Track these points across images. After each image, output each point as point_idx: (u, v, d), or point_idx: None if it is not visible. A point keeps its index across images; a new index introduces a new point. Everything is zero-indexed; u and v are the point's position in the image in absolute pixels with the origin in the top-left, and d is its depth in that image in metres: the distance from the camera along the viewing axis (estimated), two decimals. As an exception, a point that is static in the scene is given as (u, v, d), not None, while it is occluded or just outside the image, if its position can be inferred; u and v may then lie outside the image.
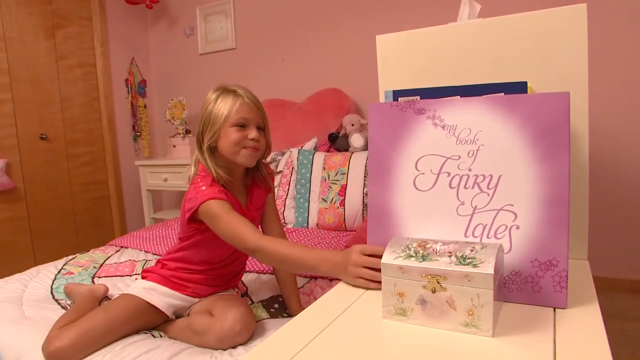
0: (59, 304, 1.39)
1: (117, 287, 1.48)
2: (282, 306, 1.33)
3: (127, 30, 3.35)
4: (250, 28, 3.07)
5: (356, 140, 2.31)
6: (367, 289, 0.77)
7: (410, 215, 0.73)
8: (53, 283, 1.57)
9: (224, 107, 1.13)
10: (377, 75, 1.05)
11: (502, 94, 0.81)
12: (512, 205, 0.66)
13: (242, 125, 1.14)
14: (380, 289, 0.73)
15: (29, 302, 1.39)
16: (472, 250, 0.62)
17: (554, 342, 0.56)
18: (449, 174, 0.69)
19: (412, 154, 0.72)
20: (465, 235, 0.69)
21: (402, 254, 0.65)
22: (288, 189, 2.33)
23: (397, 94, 0.91)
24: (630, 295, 2.09)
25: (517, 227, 0.66)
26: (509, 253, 0.66)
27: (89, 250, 2.00)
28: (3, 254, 2.61)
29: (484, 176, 0.67)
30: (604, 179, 2.12)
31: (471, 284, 0.59)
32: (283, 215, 2.27)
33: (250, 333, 1.09)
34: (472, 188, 0.68)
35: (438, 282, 0.61)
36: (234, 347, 1.06)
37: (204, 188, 1.11)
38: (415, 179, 0.72)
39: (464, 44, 0.95)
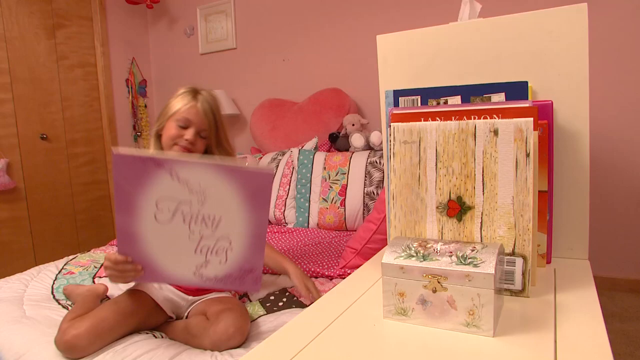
0: (59, 303, 1.39)
1: (117, 287, 1.48)
2: (276, 298, 1.39)
3: (128, 30, 3.35)
4: (251, 28, 3.07)
5: (357, 140, 2.31)
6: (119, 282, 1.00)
7: (153, 239, 0.93)
8: (54, 283, 1.57)
9: (178, 104, 1.22)
10: (378, 75, 1.05)
11: (503, 93, 0.81)
12: (229, 235, 0.93)
13: (183, 126, 1.21)
14: (126, 281, 1.00)
15: (30, 302, 1.39)
16: (472, 250, 0.62)
17: (555, 341, 0.57)
18: (182, 212, 0.90)
19: (153, 195, 0.88)
20: (195, 252, 0.94)
21: (402, 254, 0.65)
22: (288, 189, 2.33)
23: (397, 94, 0.91)
24: (631, 295, 2.09)
25: (231, 249, 0.95)
26: (226, 263, 0.96)
27: (89, 250, 2.00)
28: (4, 254, 2.61)
29: (210, 216, 0.91)
30: (604, 179, 2.12)
31: (472, 284, 0.59)
32: (284, 215, 2.27)
33: (244, 336, 1.09)
34: (201, 223, 0.92)
35: (439, 282, 0.61)
36: (229, 349, 1.06)
37: None
38: (155, 214, 0.90)
39: (464, 44, 0.95)
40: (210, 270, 0.99)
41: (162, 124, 1.24)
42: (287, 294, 1.42)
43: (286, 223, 2.28)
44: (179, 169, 0.86)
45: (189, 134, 1.21)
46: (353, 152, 2.29)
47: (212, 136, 1.26)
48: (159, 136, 1.26)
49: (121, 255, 0.95)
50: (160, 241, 0.94)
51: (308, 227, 2.19)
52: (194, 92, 1.25)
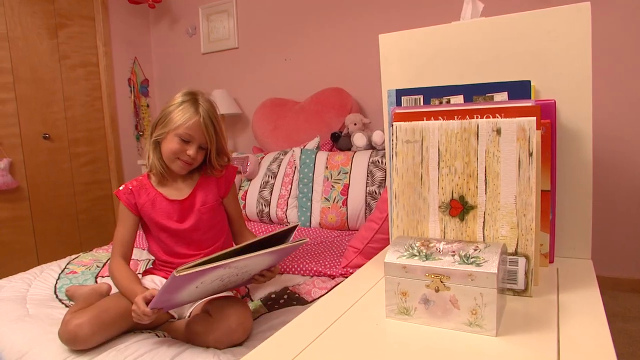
0: (62, 303, 1.40)
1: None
2: (277, 296, 1.39)
3: (130, 30, 3.35)
4: (253, 27, 3.07)
5: (359, 139, 2.31)
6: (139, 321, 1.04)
7: (187, 294, 1.00)
8: (57, 282, 1.57)
9: (180, 117, 1.21)
10: (380, 75, 1.05)
11: (506, 92, 0.81)
12: (251, 273, 1.07)
13: (186, 140, 1.22)
14: (141, 323, 1.04)
15: (33, 301, 1.40)
16: (475, 250, 0.62)
17: (558, 341, 0.56)
18: (222, 278, 0.99)
19: (202, 280, 0.94)
20: (217, 288, 1.06)
21: (405, 253, 0.65)
22: (290, 189, 2.33)
23: (399, 93, 0.90)
24: (634, 295, 2.08)
25: (249, 275, 1.09)
26: (238, 283, 1.12)
27: (91, 250, 2.01)
28: (6, 253, 2.62)
29: (244, 272, 1.03)
30: (607, 179, 2.12)
31: (475, 283, 0.59)
32: (286, 215, 2.27)
33: (247, 333, 1.09)
34: (234, 276, 1.02)
35: (441, 281, 0.61)
36: (232, 346, 1.06)
37: (135, 182, 1.29)
38: (197, 285, 0.97)
39: (466, 43, 0.95)
40: (221, 288, 1.08)
41: (163, 134, 1.23)
42: (288, 292, 1.42)
43: (288, 222, 2.28)
44: (235, 263, 0.93)
45: (191, 149, 1.22)
46: (355, 152, 2.29)
47: (213, 147, 1.26)
48: (157, 143, 1.25)
49: (152, 308, 1.00)
50: (192, 293, 1.01)
51: (310, 226, 2.19)
52: (195, 103, 1.22)
